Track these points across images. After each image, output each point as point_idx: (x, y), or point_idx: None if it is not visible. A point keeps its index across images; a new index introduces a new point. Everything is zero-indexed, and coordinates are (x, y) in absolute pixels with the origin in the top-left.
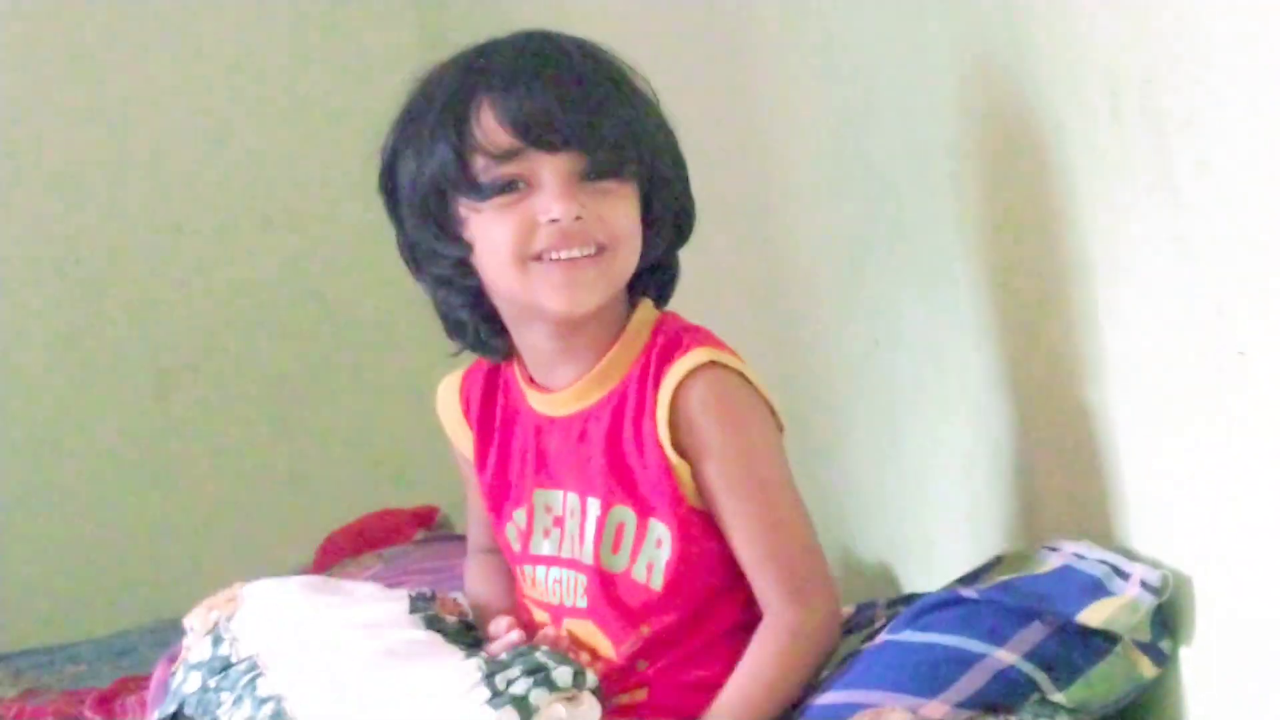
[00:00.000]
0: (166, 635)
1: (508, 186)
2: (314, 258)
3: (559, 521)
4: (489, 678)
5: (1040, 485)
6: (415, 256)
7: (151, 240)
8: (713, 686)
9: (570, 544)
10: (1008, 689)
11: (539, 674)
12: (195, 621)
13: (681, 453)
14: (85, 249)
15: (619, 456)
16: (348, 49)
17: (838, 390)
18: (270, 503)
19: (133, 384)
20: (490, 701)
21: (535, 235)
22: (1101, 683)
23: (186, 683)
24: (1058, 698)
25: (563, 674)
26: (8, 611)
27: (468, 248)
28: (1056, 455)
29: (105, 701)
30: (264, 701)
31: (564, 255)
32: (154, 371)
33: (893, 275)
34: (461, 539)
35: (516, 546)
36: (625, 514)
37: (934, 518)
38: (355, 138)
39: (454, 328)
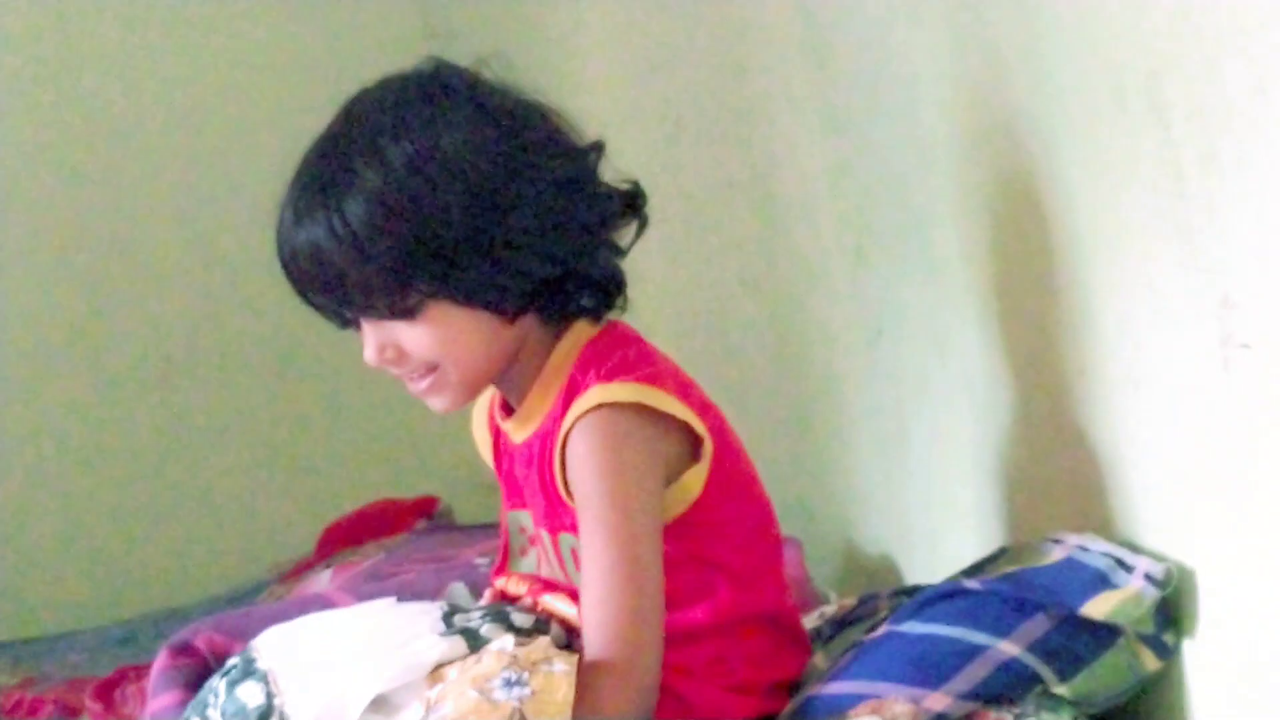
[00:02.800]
0: (167, 624)
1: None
2: None
3: (534, 540)
4: (448, 616)
5: (1044, 477)
6: None
7: (156, 227)
8: (689, 671)
9: (547, 565)
10: (1011, 681)
11: (498, 615)
12: None
13: (569, 494)
14: (90, 236)
15: (551, 489)
16: (352, 36)
17: (841, 381)
18: (272, 492)
19: (135, 372)
20: (443, 634)
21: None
22: (1105, 675)
23: None
24: (1061, 690)
25: (522, 618)
26: (8, 600)
27: None
28: (1061, 447)
29: (105, 690)
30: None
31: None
32: (157, 360)
33: (896, 265)
34: (461, 529)
35: (496, 559)
36: (571, 540)
37: (938, 509)
38: None
39: None
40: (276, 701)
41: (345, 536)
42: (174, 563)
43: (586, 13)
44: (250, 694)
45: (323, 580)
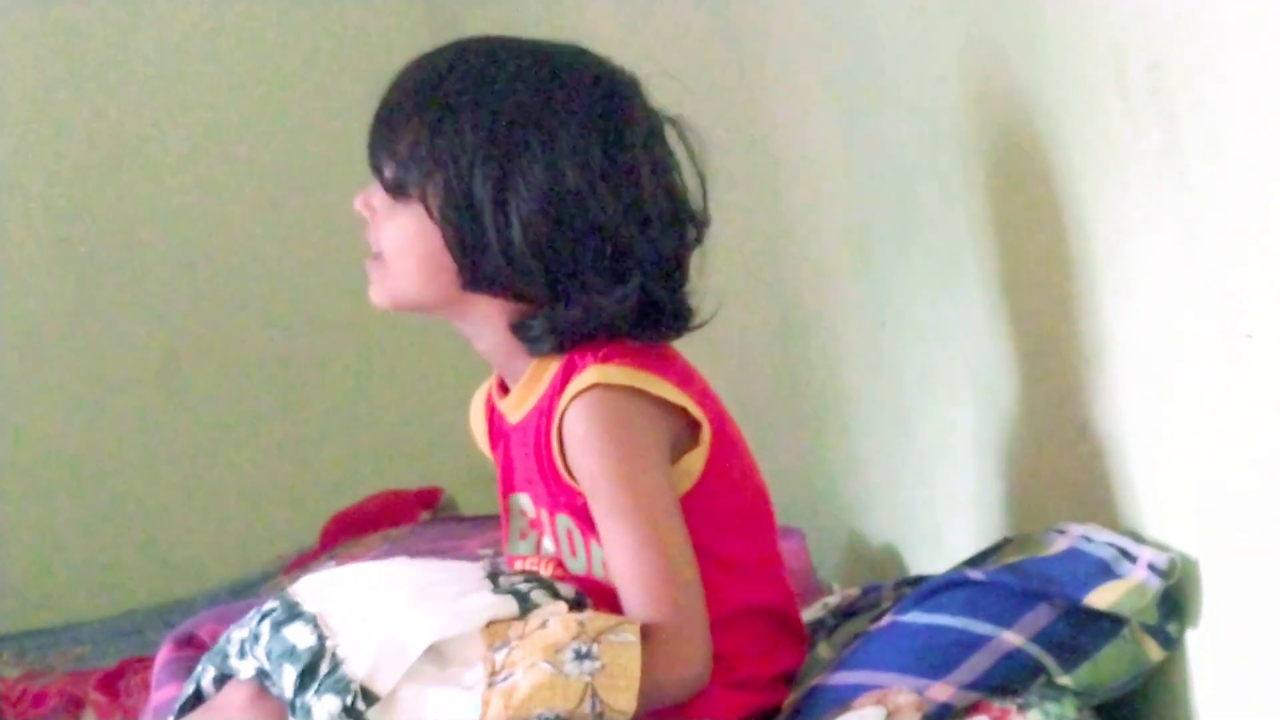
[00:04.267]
0: (171, 616)
1: None
2: (318, 239)
3: (535, 524)
4: (492, 576)
5: (1047, 468)
6: None
7: (155, 221)
8: None
9: (553, 546)
10: (1015, 671)
11: (543, 583)
12: None
13: (570, 475)
14: (89, 229)
15: (550, 467)
16: (355, 31)
17: (845, 373)
18: (275, 483)
19: (137, 364)
20: (492, 591)
21: None
22: (1108, 665)
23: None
24: (1064, 680)
25: (565, 589)
26: (12, 592)
27: None
28: (1064, 438)
29: (109, 682)
30: (271, 603)
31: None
32: (158, 352)
33: (900, 258)
34: (465, 520)
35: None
36: (567, 521)
37: (941, 501)
38: (360, 121)
39: None
40: (329, 644)
41: (349, 528)
42: (177, 554)
43: (592, 10)
44: (299, 635)
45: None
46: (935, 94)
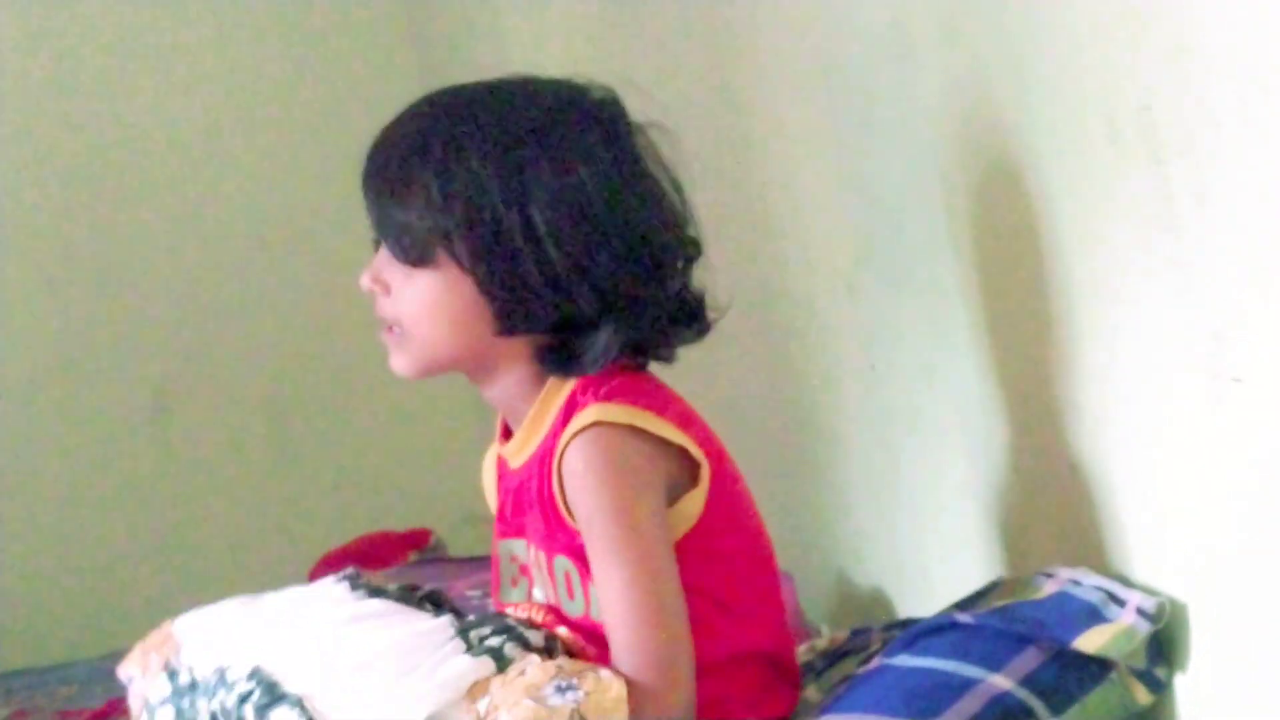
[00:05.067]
0: None
1: None
2: (309, 279)
3: (525, 570)
4: (463, 633)
5: (1036, 511)
6: None
7: (147, 260)
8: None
9: (542, 591)
10: (1003, 714)
11: (510, 633)
12: (134, 669)
13: (570, 514)
14: (80, 268)
15: (550, 506)
16: (345, 71)
17: (833, 414)
18: (264, 524)
19: (127, 406)
20: (467, 652)
21: None
22: (1097, 709)
23: None
24: None
25: (534, 636)
26: (0, 631)
27: None
28: (1053, 481)
29: None
30: (246, 683)
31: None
32: (149, 391)
33: (889, 299)
34: (453, 562)
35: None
36: (566, 563)
37: (930, 543)
38: (352, 160)
39: None
40: None
41: (338, 568)
42: (166, 595)
43: (579, 41)
44: None
45: None
46: (925, 134)
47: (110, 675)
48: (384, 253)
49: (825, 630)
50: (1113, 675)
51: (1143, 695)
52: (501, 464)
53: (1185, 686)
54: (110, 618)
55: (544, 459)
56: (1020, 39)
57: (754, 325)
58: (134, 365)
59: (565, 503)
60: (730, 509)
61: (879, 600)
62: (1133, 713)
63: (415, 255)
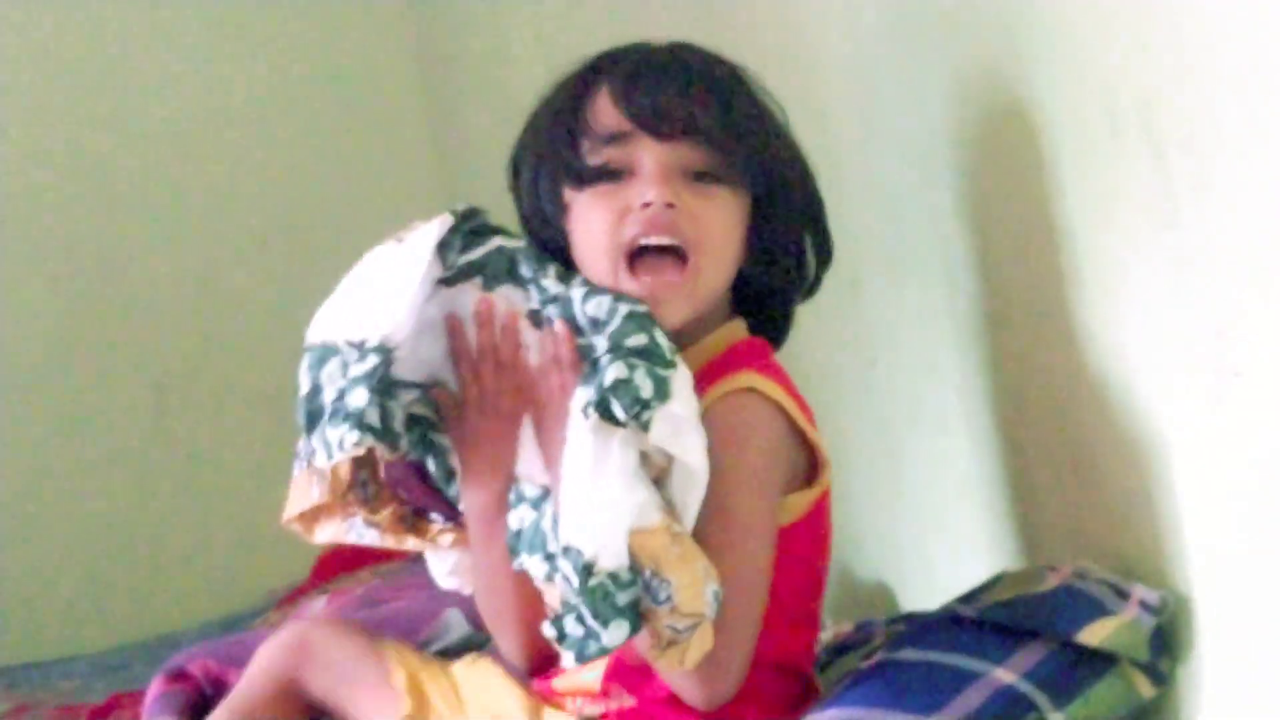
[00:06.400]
0: (161, 651)
1: (609, 173)
2: (310, 272)
3: None
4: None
5: (1039, 504)
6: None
7: (148, 254)
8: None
9: None
10: (1006, 708)
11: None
12: None
13: None
14: (81, 262)
15: None
16: (348, 68)
17: (835, 409)
18: (265, 518)
19: (129, 397)
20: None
21: (626, 221)
22: (1100, 702)
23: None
24: (1056, 717)
25: None
26: (2, 626)
27: (560, 234)
28: (1055, 475)
29: (99, 717)
30: None
31: (651, 242)
32: (150, 385)
33: (891, 295)
34: None
35: None
36: None
37: (932, 537)
38: (353, 155)
39: None
40: None
41: (341, 563)
42: (168, 589)
43: (578, 38)
44: None
45: (318, 606)
46: (926, 129)
47: (112, 669)
48: (670, 167)
49: (829, 624)
50: (1116, 668)
51: (1146, 688)
52: None
53: (1188, 679)
54: (111, 613)
55: None
56: (1023, 32)
57: None
58: (135, 361)
59: None
60: (823, 521)
61: (881, 594)
62: (1136, 706)
63: (735, 172)
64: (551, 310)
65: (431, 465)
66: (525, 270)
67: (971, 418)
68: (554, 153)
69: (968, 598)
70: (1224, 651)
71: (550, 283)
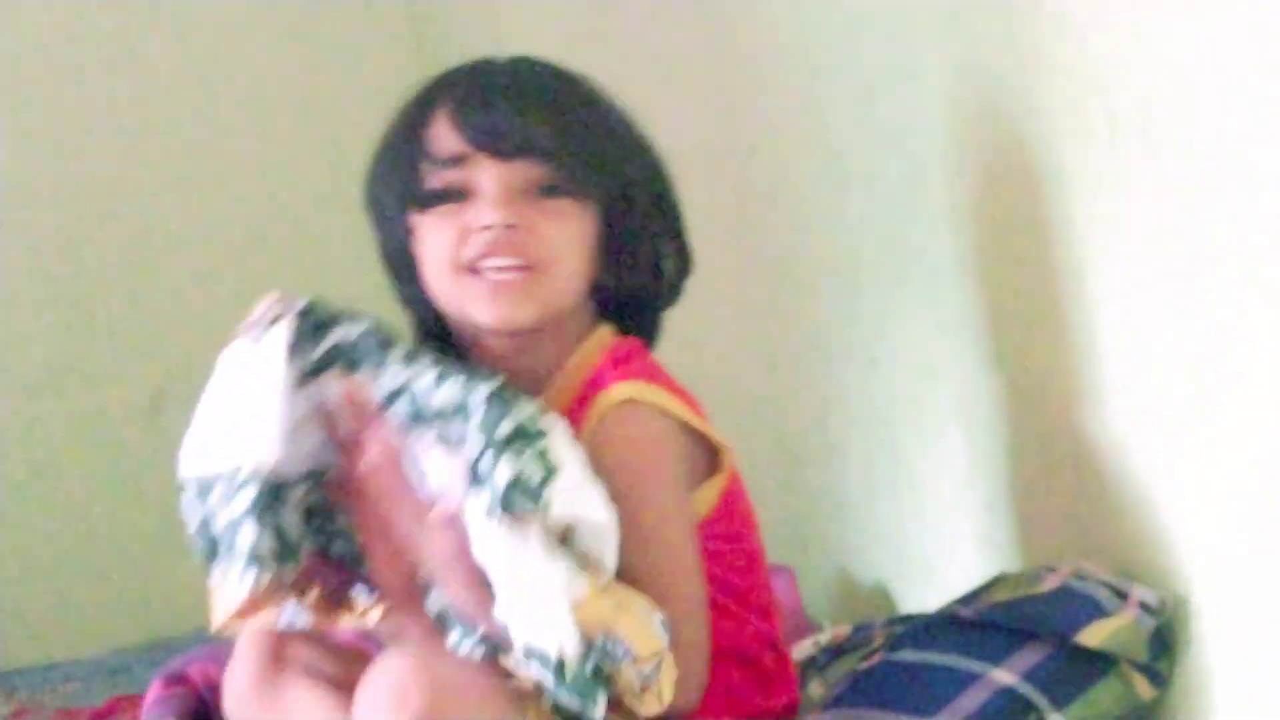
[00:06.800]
0: (160, 654)
1: (450, 195)
2: (308, 277)
3: None
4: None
5: (1038, 506)
6: (391, 272)
7: (146, 258)
8: None
9: None
10: (1006, 708)
11: None
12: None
13: None
14: (79, 266)
15: None
16: (344, 67)
17: (835, 409)
18: None
19: (128, 399)
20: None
21: (467, 243)
22: (1099, 704)
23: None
24: (1055, 718)
25: None
26: (1, 629)
27: (412, 260)
28: (1054, 476)
29: None
30: None
31: (492, 264)
32: (148, 389)
33: (890, 294)
34: None
35: None
36: None
37: (931, 538)
38: (351, 157)
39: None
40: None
41: None
42: (166, 593)
43: (577, 38)
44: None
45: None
46: (926, 127)
47: (111, 673)
48: (510, 187)
49: (827, 626)
50: (1115, 670)
51: (1145, 689)
52: None
53: (1187, 681)
54: (111, 616)
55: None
56: (1023, 34)
57: (756, 320)
58: (132, 365)
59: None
60: (740, 502)
61: (880, 595)
62: (1135, 707)
63: (576, 186)
64: (400, 406)
65: (342, 548)
66: (369, 362)
67: (970, 417)
68: (397, 179)
69: (967, 598)
70: (1223, 653)
71: (396, 369)
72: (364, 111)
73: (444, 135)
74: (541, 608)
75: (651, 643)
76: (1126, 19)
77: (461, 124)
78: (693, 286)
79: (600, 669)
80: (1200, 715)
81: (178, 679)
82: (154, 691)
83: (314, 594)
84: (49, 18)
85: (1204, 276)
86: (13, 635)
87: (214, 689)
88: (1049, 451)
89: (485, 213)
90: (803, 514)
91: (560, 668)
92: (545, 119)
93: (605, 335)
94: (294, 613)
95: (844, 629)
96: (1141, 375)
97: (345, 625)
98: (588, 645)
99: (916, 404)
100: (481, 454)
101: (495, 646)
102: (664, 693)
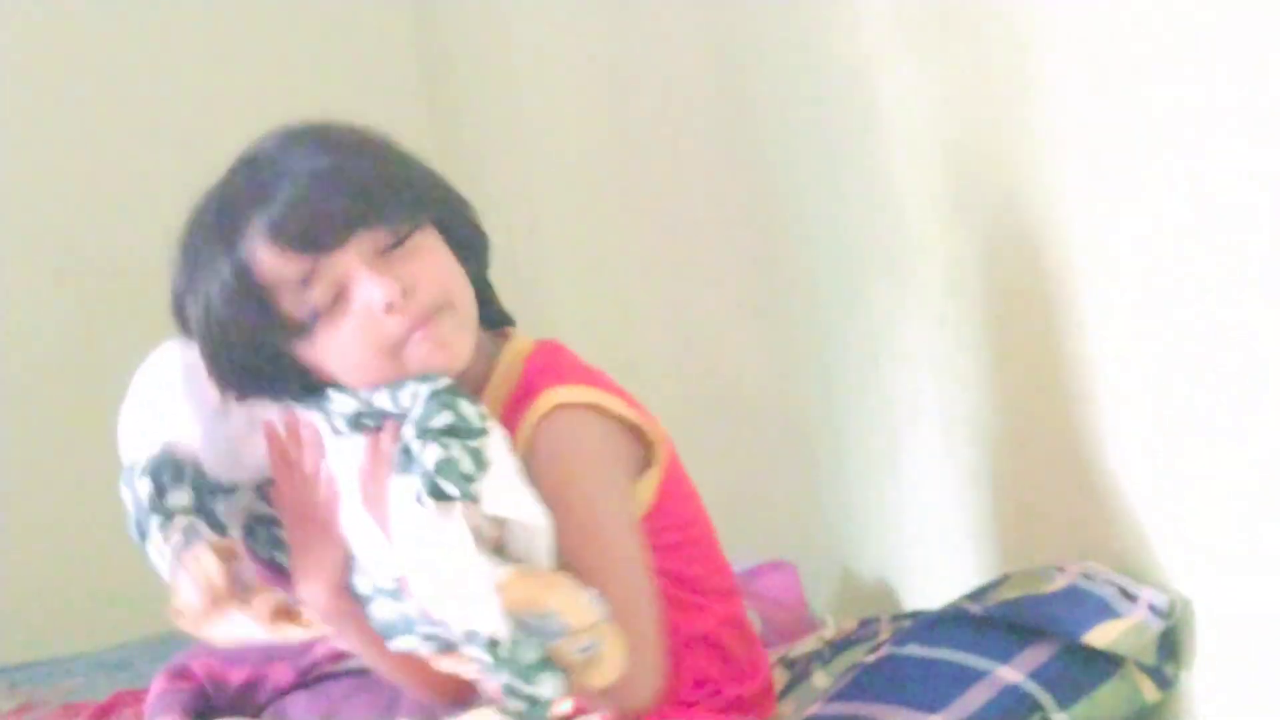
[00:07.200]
0: (163, 649)
1: (325, 307)
2: None
3: None
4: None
5: (1042, 505)
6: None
7: (152, 253)
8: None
9: None
10: (1011, 707)
11: None
12: None
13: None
14: (80, 265)
15: None
16: (347, 66)
17: (838, 408)
18: None
19: None
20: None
21: (384, 329)
22: (1105, 704)
23: None
24: (1060, 717)
25: None
26: (5, 625)
27: (305, 372)
28: (1059, 475)
29: (102, 715)
30: None
31: (418, 332)
32: None
33: (893, 293)
34: None
35: None
36: None
37: (934, 535)
38: None
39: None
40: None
41: None
42: (168, 589)
43: (582, 41)
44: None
45: None
46: (927, 125)
47: (115, 667)
48: (371, 258)
49: (831, 620)
50: (1121, 671)
51: (1151, 692)
52: None
53: (1193, 684)
54: (114, 612)
55: None
56: (1022, 32)
57: (757, 319)
58: (137, 360)
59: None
60: (681, 489)
61: (883, 591)
62: (1141, 709)
63: (416, 218)
64: (369, 420)
65: (286, 559)
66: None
67: (972, 417)
68: (258, 330)
69: (975, 595)
70: (1229, 657)
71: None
72: (368, 113)
73: (278, 264)
74: (467, 591)
75: (584, 615)
76: (1127, 17)
77: (291, 247)
78: (695, 286)
79: (539, 648)
80: (1201, 718)
81: (181, 673)
82: (157, 686)
83: (260, 601)
84: (49, 18)
85: (1204, 277)
86: (16, 630)
87: (217, 683)
88: (1052, 450)
89: (376, 293)
90: (806, 510)
91: (493, 647)
92: (356, 188)
93: (522, 344)
94: (244, 624)
95: (850, 624)
96: (1149, 375)
97: (294, 635)
98: (518, 624)
99: (918, 402)
100: (413, 441)
101: (446, 643)
102: (611, 662)
